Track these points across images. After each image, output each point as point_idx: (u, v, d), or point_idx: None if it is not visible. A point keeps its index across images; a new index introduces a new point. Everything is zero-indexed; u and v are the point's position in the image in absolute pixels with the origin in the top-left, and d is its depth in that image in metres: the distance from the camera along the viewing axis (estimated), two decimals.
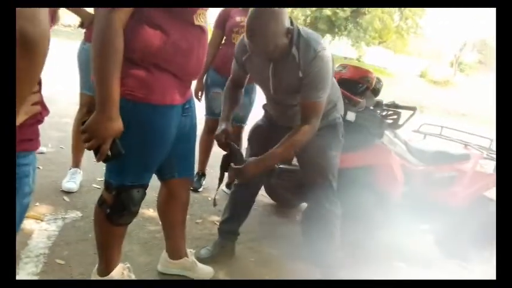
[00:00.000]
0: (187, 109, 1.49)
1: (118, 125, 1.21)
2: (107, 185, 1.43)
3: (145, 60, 1.27)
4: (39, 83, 0.81)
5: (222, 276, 1.98)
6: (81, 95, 2.41)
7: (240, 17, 2.66)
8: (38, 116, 0.81)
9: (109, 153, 1.23)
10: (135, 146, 1.31)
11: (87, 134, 1.20)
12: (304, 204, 2.85)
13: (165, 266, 1.85)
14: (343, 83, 2.10)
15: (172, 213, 1.70)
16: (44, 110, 0.84)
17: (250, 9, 1.58)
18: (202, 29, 1.38)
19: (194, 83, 1.96)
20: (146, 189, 1.49)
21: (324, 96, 1.65)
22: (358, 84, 2.11)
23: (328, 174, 1.90)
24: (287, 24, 1.58)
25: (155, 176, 1.64)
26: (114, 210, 1.42)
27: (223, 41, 2.74)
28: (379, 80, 2.31)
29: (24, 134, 0.78)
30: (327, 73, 1.63)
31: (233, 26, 2.66)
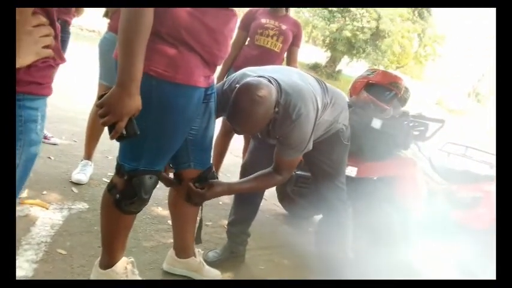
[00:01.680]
0: (209, 95, 1.42)
1: (137, 102, 1.14)
2: (119, 169, 1.35)
3: (173, 35, 1.21)
4: (54, 29, 0.77)
5: None
6: (100, 85, 2.36)
7: (266, 19, 2.63)
8: (51, 61, 0.77)
9: (124, 132, 1.16)
10: (152, 126, 1.24)
11: (103, 108, 1.13)
12: (317, 217, 2.75)
13: (170, 264, 1.74)
14: (370, 88, 2.01)
15: (184, 207, 1.60)
16: (59, 58, 0.80)
17: (232, 96, 1.46)
18: (232, 12, 1.32)
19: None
20: (159, 177, 1.41)
21: (298, 154, 1.61)
22: (386, 91, 2.01)
23: (334, 180, 1.86)
24: (272, 107, 1.46)
25: None
26: (124, 196, 1.34)
27: (246, 42, 2.70)
28: (407, 90, 2.21)
29: (32, 76, 0.74)
30: (304, 135, 1.55)
31: (258, 27, 2.62)
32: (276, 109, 1.49)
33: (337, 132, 1.79)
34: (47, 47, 0.74)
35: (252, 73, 1.58)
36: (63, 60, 0.83)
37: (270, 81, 1.50)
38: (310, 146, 1.62)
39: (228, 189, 1.62)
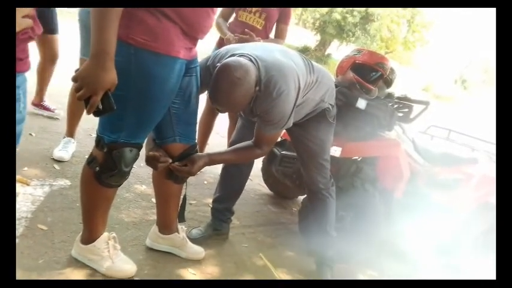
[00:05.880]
0: (191, 69, 1.40)
1: (111, 76, 1.12)
2: (99, 141, 1.33)
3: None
4: None
5: (212, 258, 1.88)
6: (81, 60, 2.30)
7: None
8: (30, 32, 0.72)
9: (100, 106, 1.14)
10: (132, 97, 1.22)
11: (78, 82, 1.11)
12: (301, 197, 2.77)
13: (154, 240, 1.74)
14: (357, 67, 2.00)
15: (168, 183, 1.59)
16: (37, 27, 0.75)
17: (213, 76, 1.42)
18: None
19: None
20: (140, 150, 1.39)
21: (278, 130, 1.60)
22: (372, 71, 2.01)
23: (319, 158, 1.86)
24: (252, 87, 1.43)
25: None
26: (104, 168, 1.33)
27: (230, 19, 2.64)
28: (393, 71, 2.21)
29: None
30: (284, 112, 1.53)
31: None
32: (257, 88, 1.46)
33: (323, 111, 1.79)
34: (26, 16, 0.69)
35: (234, 51, 1.55)
36: (40, 29, 0.78)
37: (251, 59, 1.46)
38: (291, 123, 1.61)
39: (209, 160, 1.59)
